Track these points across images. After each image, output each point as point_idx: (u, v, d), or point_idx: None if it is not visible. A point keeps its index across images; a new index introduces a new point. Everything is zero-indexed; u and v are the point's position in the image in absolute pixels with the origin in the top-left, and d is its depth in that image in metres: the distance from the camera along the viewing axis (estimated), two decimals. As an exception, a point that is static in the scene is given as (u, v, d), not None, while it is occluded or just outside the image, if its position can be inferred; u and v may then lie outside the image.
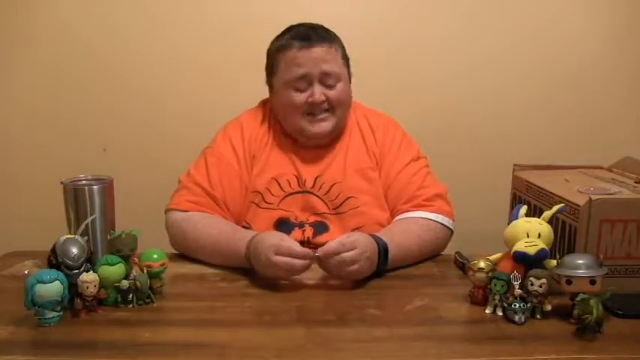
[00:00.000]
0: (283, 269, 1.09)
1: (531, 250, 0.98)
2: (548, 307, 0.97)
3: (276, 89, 1.35)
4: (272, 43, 1.36)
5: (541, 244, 0.99)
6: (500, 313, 0.98)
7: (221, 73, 1.93)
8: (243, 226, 1.32)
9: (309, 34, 1.31)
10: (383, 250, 1.16)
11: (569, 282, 0.94)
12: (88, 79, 1.95)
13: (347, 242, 1.09)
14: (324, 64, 1.30)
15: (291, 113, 1.32)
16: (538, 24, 1.97)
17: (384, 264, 1.16)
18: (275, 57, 1.34)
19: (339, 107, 1.34)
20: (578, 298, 0.91)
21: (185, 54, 1.93)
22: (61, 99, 1.95)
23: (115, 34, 1.92)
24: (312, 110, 1.31)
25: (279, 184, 1.34)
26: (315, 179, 1.34)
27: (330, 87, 1.32)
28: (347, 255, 1.08)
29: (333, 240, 1.11)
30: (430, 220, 1.30)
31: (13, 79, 1.95)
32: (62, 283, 0.94)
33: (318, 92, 1.30)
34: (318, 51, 1.30)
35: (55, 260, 0.99)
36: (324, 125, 1.33)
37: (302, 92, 1.30)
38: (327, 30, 1.35)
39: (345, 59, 1.37)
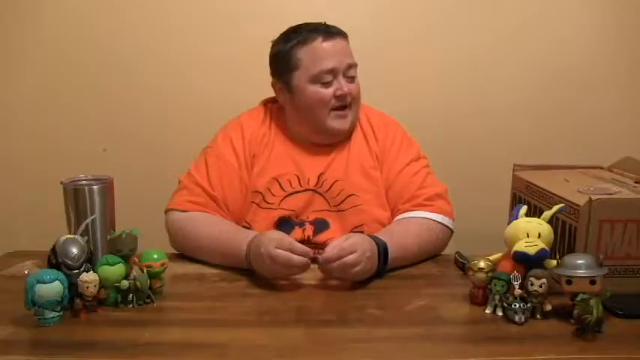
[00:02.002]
0: (282, 263, 1.09)
1: (531, 250, 0.98)
2: (548, 307, 0.97)
3: (297, 87, 1.32)
4: (280, 43, 1.34)
5: (541, 244, 0.98)
6: (500, 313, 0.98)
7: (222, 72, 1.93)
8: (244, 226, 1.32)
9: (327, 27, 1.32)
10: (383, 250, 1.16)
11: (569, 282, 0.94)
12: (88, 79, 1.95)
13: (346, 246, 1.09)
14: (347, 57, 1.31)
15: (318, 110, 1.31)
16: (542, 24, 1.96)
17: (384, 264, 1.16)
18: (294, 53, 1.31)
19: (356, 102, 1.35)
20: (578, 298, 0.91)
21: (186, 54, 1.93)
22: (61, 99, 1.96)
23: (115, 34, 1.92)
24: (338, 104, 1.31)
25: (279, 184, 1.34)
26: (319, 177, 1.34)
27: (351, 80, 1.32)
28: (348, 259, 1.08)
29: (332, 244, 1.11)
30: (430, 219, 1.30)
31: (14, 79, 1.95)
32: (62, 283, 0.94)
33: (345, 85, 1.30)
34: (341, 43, 1.31)
35: (55, 260, 0.99)
36: (345, 121, 1.33)
37: (328, 87, 1.30)
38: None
39: None
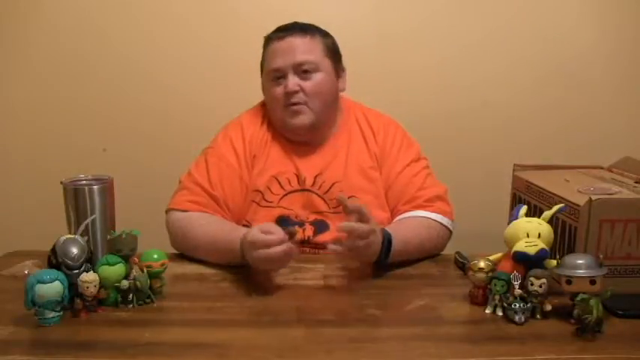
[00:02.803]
0: (266, 263, 1.09)
1: (531, 250, 0.98)
2: (548, 307, 0.97)
3: (262, 83, 1.39)
4: None
5: (541, 244, 0.98)
6: (500, 313, 0.98)
7: (221, 73, 1.93)
8: (244, 225, 1.32)
9: (289, 26, 1.35)
10: (387, 241, 1.15)
11: (569, 282, 0.94)
12: (88, 78, 1.95)
13: (367, 212, 1.09)
14: (298, 54, 1.32)
15: (274, 106, 1.35)
16: (540, 22, 1.97)
17: (386, 254, 1.16)
18: (263, 52, 1.38)
19: (316, 99, 1.33)
20: (578, 298, 0.91)
21: (185, 54, 1.93)
22: (61, 99, 1.96)
23: (115, 34, 1.92)
24: (289, 102, 1.32)
25: (279, 183, 1.34)
26: (315, 178, 1.34)
27: (306, 78, 1.33)
28: (361, 226, 1.07)
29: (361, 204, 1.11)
30: (430, 219, 1.30)
31: (13, 79, 1.95)
32: (62, 283, 0.94)
33: (292, 82, 1.31)
34: (293, 41, 1.33)
35: (55, 260, 0.99)
36: (302, 118, 1.33)
37: (279, 84, 1.32)
38: (312, 25, 1.37)
39: (332, 53, 1.37)
